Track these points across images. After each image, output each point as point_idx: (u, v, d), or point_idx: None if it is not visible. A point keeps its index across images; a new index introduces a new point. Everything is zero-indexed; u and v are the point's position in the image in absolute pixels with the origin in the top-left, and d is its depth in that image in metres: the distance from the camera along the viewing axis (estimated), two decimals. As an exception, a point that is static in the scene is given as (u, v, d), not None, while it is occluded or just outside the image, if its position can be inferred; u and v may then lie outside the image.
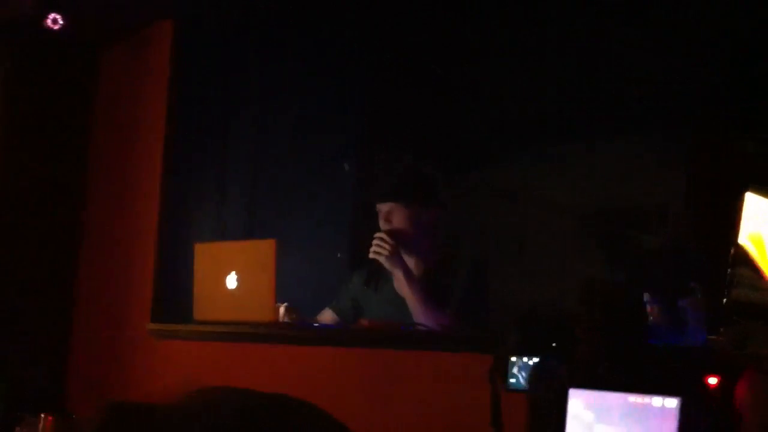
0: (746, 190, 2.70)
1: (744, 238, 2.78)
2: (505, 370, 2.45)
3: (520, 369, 2.45)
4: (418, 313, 3.51)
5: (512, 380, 2.45)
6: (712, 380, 2.09)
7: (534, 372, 2.41)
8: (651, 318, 2.64)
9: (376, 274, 3.74)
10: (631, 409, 1.96)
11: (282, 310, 3.55)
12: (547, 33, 4.31)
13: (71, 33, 4.12)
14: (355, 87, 4.82)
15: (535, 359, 2.44)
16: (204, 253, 3.70)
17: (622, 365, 2.25)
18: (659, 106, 4.74)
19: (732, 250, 2.76)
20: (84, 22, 4.22)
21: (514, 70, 4.55)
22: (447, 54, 4.61)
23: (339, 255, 4.44)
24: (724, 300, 2.73)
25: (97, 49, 4.71)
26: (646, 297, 2.70)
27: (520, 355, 2.44)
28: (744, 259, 2.82)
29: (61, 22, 3.83)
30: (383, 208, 3.71)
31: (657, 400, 1.91)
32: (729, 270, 2.72)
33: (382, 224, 3.69)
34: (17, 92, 4.51)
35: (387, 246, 3.56)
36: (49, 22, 3.84)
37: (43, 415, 3.64)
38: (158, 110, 4.32)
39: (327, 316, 3.84)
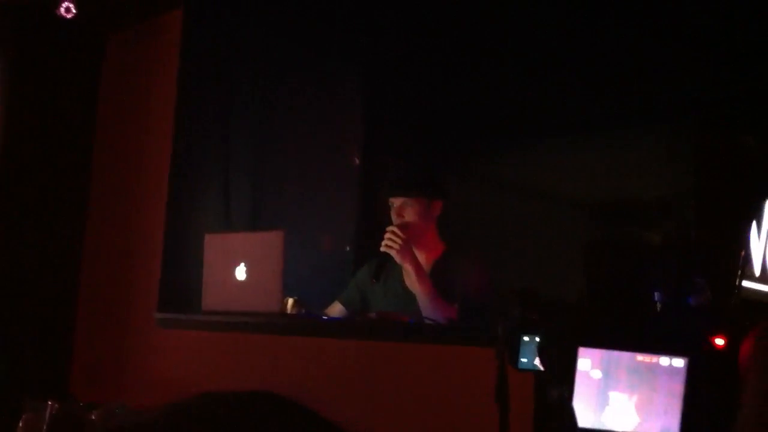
0: (766, 198, 2.71)
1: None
2: (516, 349, 2.42)
3: (530, 348, 2.40)
4: (428, 308, 3.52)
5: (523, 359, 2.42)
6: (719, 341, 2.11)
7: (545, 335, 2.37)
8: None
9: (384, 268, 3.74)
10: (639, 367, 1.99)
11: (291, 302, 3.56)
12: (553, 26, 4.32)
13: (80, 20, 4.11)
14: (361, 79, 4.82)
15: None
16: (214, 244, 3.71)
17: (630, 324, 2.26)
18: (667, 99, 4.74)
19: (743, 252, 2.78)
20: (94, 9, 4.21)
21: (518, 63, 4.55)
22: (452, 46, 4.61)
23: (347, 248, 4.44)
24: (733, 301, 2.75)
25: (105, 37, 4.69)
26: (656, 295, 2.72)
27: (528, 331, 2.41)
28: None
29: (74, 11, 3.82)
30: (396, 202, 3.72)
31: (665, 360, 1.95)
32: (740, 271, 2.75)
33: (394, 218, 3.70)
34: (24, 78, 4.49)
35: (399, 240, 3.57)
36: (62, 11, 3.83)
37: (50, 402, 3.65)
38: (167, 100, 4.30)
39: (336, 309, 3.85)
